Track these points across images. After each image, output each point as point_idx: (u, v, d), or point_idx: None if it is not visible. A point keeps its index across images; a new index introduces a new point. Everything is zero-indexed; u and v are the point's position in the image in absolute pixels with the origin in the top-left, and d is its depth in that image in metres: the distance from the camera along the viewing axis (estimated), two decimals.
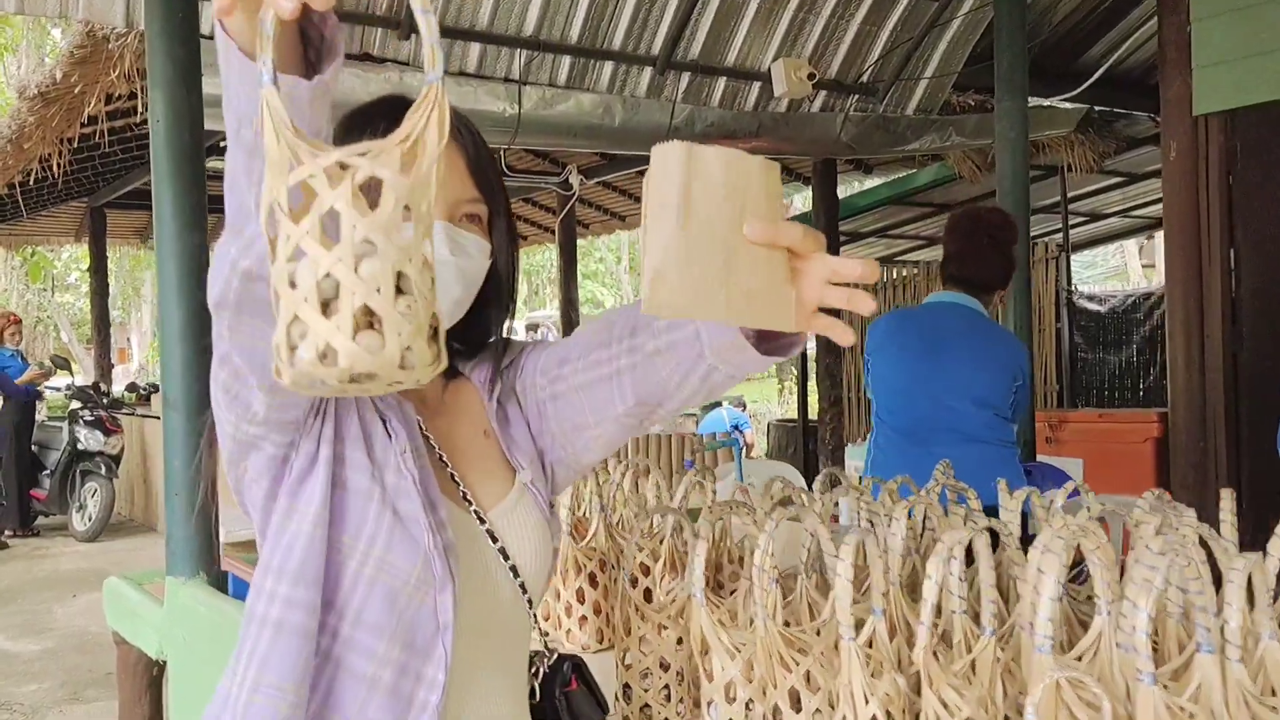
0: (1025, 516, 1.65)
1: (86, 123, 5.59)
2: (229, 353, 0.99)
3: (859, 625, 1.25)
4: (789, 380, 16.77)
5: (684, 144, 0.79)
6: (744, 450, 12.13)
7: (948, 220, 3.27)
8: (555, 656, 1.29)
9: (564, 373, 1.17)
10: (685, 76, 5.19)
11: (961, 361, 3.00)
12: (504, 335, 1.27)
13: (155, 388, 11.91)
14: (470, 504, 1.16)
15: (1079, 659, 1.13)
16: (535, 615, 1.21)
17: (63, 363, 9.62)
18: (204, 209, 2.78)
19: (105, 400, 9.55)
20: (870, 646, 1.22)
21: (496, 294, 1.23)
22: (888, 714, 1.18)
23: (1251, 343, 4.98)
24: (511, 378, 1.25)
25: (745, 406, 14.68)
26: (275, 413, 1.01)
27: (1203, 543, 1.26)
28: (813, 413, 9.39)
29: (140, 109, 4.94)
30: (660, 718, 1.49)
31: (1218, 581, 1.18)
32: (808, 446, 9.06)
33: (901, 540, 1.35)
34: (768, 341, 0.97)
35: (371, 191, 0.73)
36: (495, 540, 1.15)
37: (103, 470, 8.86)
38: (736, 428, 13.02)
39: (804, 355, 10.55)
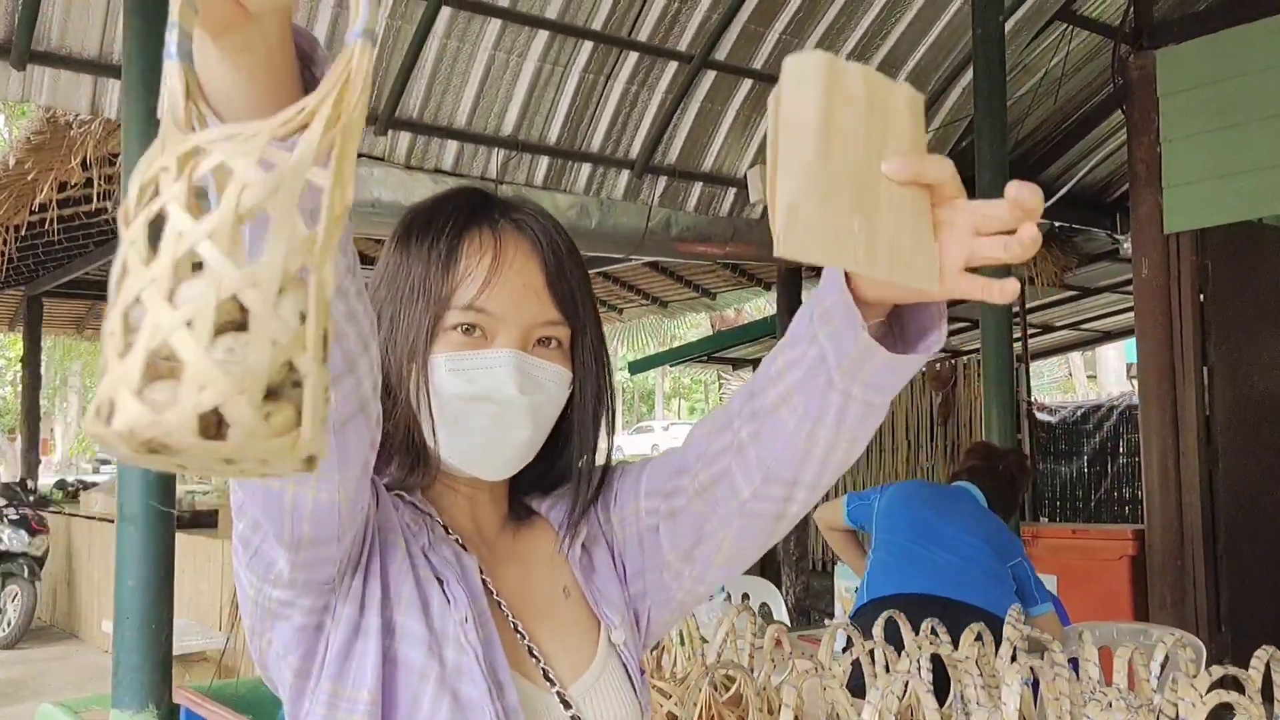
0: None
1: (35, 210, 5.39)
2: (243, 501, 0.83)
3: None
4: None
5: (824, 54, 0.65)
6: None
7: (973, 449, 3.44)
8: None
9: (683, 484, 0.97)
10: (662, 180, 5.15)
11: (966, 529, 3.04)
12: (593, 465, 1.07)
13: (84, 484, 11.43)
14: (552, 683, 0.97)
15: None
16: None
17: None
18: None
19: (32, 498, 9.10)
20: None
21: (581, 426, 1.04)
22: None
23: (1227, 459, 4.96)
24: (601, 513, 1.07)
25: None
26: (303, 571, 0.84)
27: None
28: None
29: (95, 196, 4.77)
30: None
31: None
32: (763, 561, 8.88)
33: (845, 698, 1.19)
34: (898, 335, 0.82)
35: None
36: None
37: (25, 573, 8.38)
38: None
39: None
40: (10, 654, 8.16)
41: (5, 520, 8.49)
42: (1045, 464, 10.03)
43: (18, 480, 9.48)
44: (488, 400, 0.96)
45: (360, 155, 3.19)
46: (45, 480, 12.23)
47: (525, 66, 4.44)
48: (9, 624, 8.33)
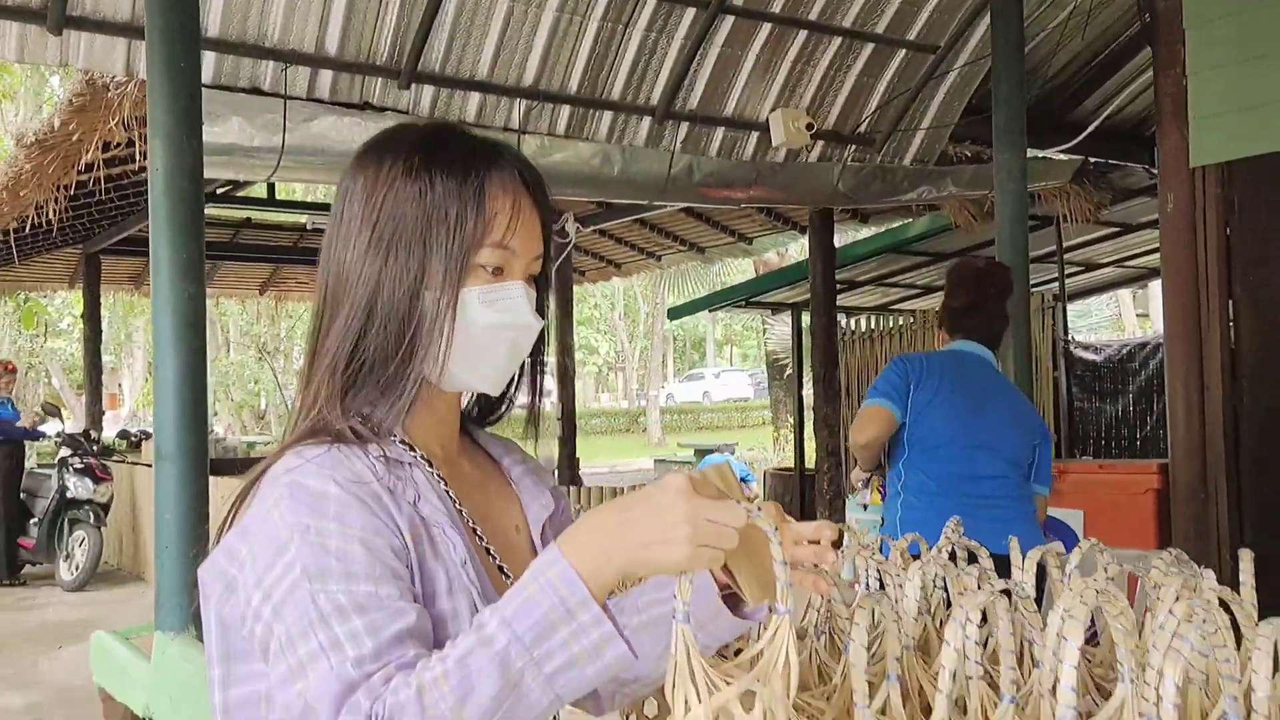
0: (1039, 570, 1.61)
1: (83, 170, 5.59)
2: None
3: (873, 690, 1.21)
4: (784, 428, 16.72)
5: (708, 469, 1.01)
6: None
7: (952, 273, 3.27)
8: None
9: None
10: (684, 126, 5.21)
11: (1002, 421, 3.05)
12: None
13: (146, 434, 11.83)
14: None
15: None
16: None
17: (53, 409, 9.56)
18: (201, 259, 2.76)
19: (95, 447, 9.48)
20: (884, 714, 1.18)
21: (534, 353, 1.18)
22: None
23: (1251, 394, 4.96)
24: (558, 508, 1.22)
25: (734, 451, 14.62)
26: None
27: (1224, 605, 1.23)
28: (809, 461, 9.35)
29: (138, 157, 4.95)
30: None
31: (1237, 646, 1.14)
32: (804, 496, 9.00)
33: (915, 603, 1.31)
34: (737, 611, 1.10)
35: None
36: None
37: (91, 519, 8.77)
38: (744, 480, 12.99)
39: (800, 404, 10.53)
40: (79, 596, 8.57)
41: (70, 469, 8.87)
42: (1089, 402, 9.99)
43: (82, 431, 9.86)
44: (511, 327, 1.08)
45: (385, 109, 3.32)
46: (109, 432, 12.69)
47: (544, 17, 4.52)
48: (77, 567, 8.74)
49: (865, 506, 3.58)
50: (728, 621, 1.09)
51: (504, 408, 1.23)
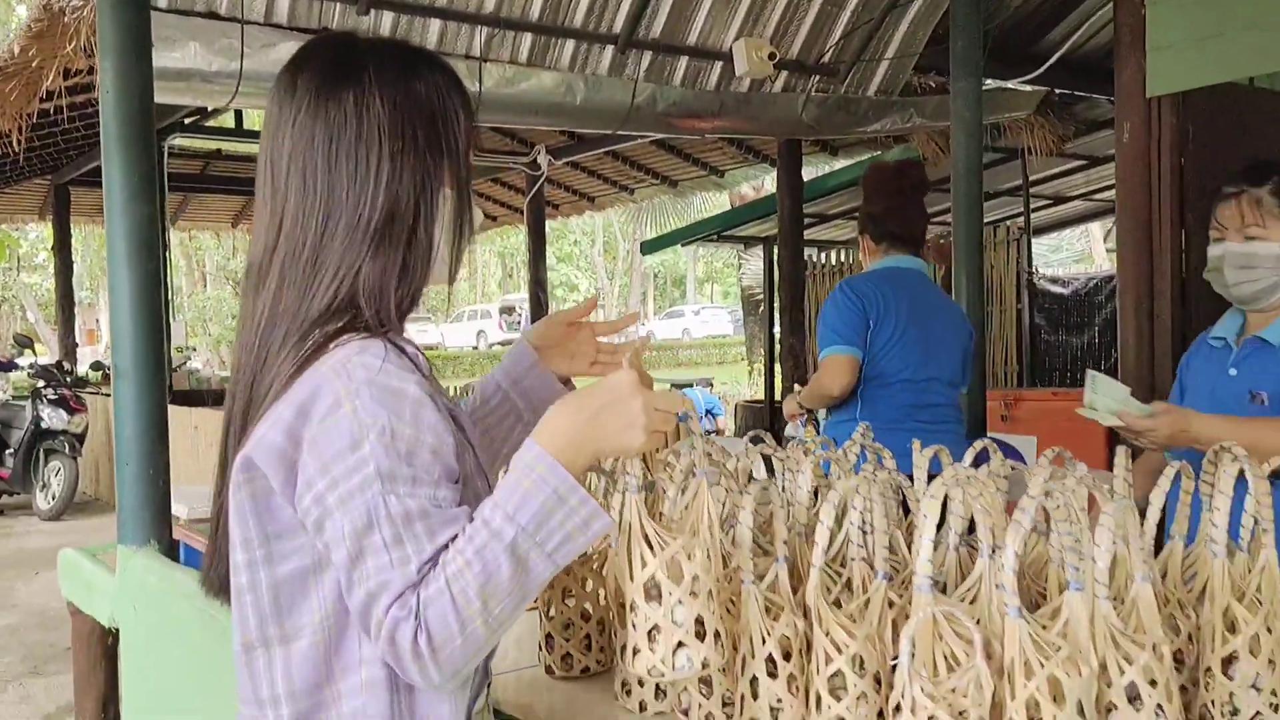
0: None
1: (45, 98, 5.55)
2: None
3: (764, 572, 1.30)
4: (758, 362, 16.85)
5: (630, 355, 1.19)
6: (715, 432, 12.21)
7: (867, 177, 3.28)
8: None
9: None
10: (647, 55, 5.22)
11: (947, 347, 3.11)
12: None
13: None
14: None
15: (962, 599, 1.19)
16: None
17: (26, 341, 9.57)
18: (153, 180, 2.79)
19: (69, 379, 9.50)
20: (772, 591, 1.27)
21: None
22: (785, 654, 1.24)
23: (1200, 324, 5.06)
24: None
25: (711, 386, 14.76)
26: None
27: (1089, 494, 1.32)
28: (778, 393, 9.47)
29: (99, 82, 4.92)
30: (580, 665, 1.54)
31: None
32: (773, 426, 9.13)
33: (807, 492, 1.40)
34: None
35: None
36: None
37: (66, 449, 8.83)
38: (710, 412, 13.11)
39: (771, 337, 10.62)
40: (57, 525, 8.67)
41: (44, 400, 8.91)
42: (1055, 335, 10.12)
43: (55, 363, 9.87)
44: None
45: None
46: (85, 366, 12.67)
47: None
48: (53, 497, 8.82)
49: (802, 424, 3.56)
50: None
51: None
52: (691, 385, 13.98)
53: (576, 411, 1.07)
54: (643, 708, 1.39)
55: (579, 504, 1.02)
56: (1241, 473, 1.29)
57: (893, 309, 2.97)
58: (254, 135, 10.09)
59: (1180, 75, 4.81)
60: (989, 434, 4.96)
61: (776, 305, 9.44)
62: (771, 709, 1.23)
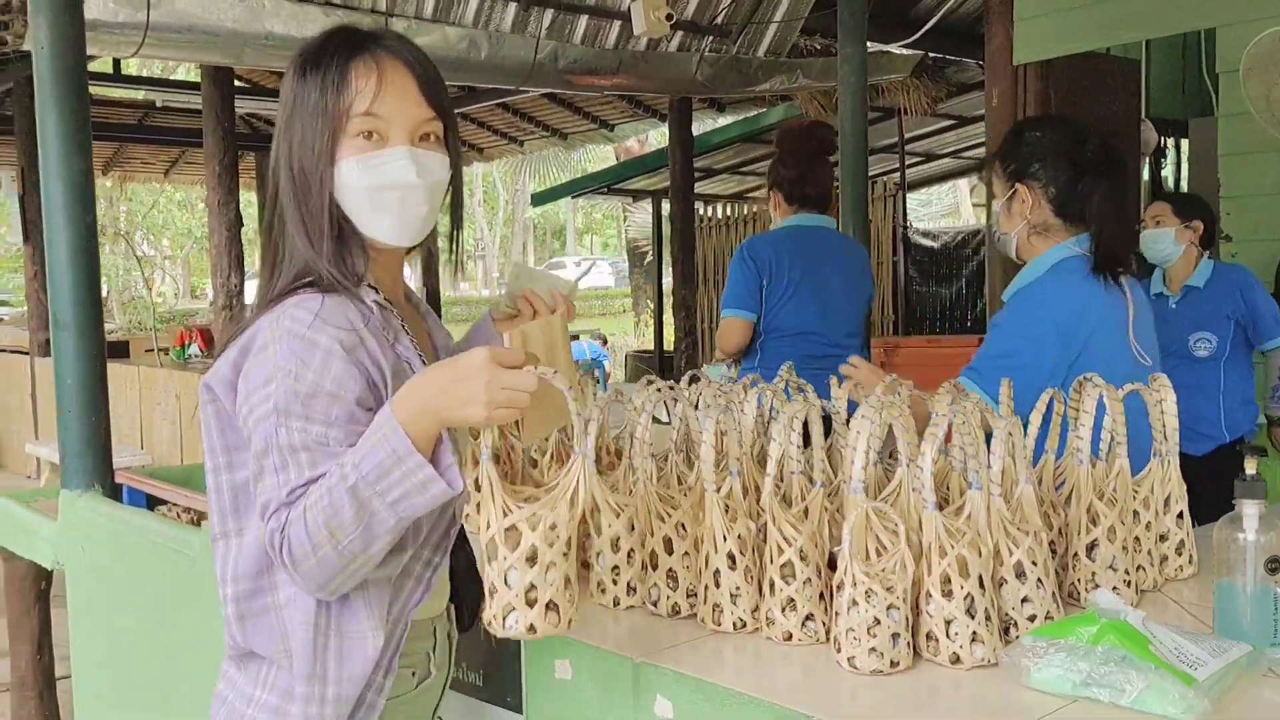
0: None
1: None
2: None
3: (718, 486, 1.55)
4: (645, 313, 17.17)
5: (518, 331, 1.35)
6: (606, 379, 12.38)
7: (781, 139, 3.49)
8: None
9: None
10: (549, 13, 5.36)
11: (847, 298, 3.35)
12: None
13: None
14: None
15: (884, 501, 1.46)
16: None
17: None
18: (88, 133, 2.85)
19: None
20: (729, 499, 1.52)
21: (453, 204, 1.40)
22: (740, 552, 1.49)
23: None
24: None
25: (606, 341, 15.00)
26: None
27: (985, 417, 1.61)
28: (668, 344, 9.78)
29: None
30: None
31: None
32: (663, 374, 9.43)
33: (752, 419, 1.65)
34: None
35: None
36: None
37: None
38: (596, 361, 13.33)
39: (659, 288, 10.91)
40: None
41: None
42: (926, 286, 10.68)
43: None
44: (394, 187, 1.29)
45: (331, 3, 3.38)
46: None
47: None
48: None
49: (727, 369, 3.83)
50: None
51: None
52: (577, 338, 14.19)
53: (429, 383, 1.17)
54: (616, 603, 1.63)
55: (415, 467, 1.13)
56: (1101, 398, 1.59)
57: (786, 267, 3.21)
58: (131, 80, 9.80)
59: (1044, 44, 5.20)
60: None
61: (667, 257, 9.71)
62: (731, 595, 1.48)
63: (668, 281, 10.80)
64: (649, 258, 13.50)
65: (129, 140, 11.15)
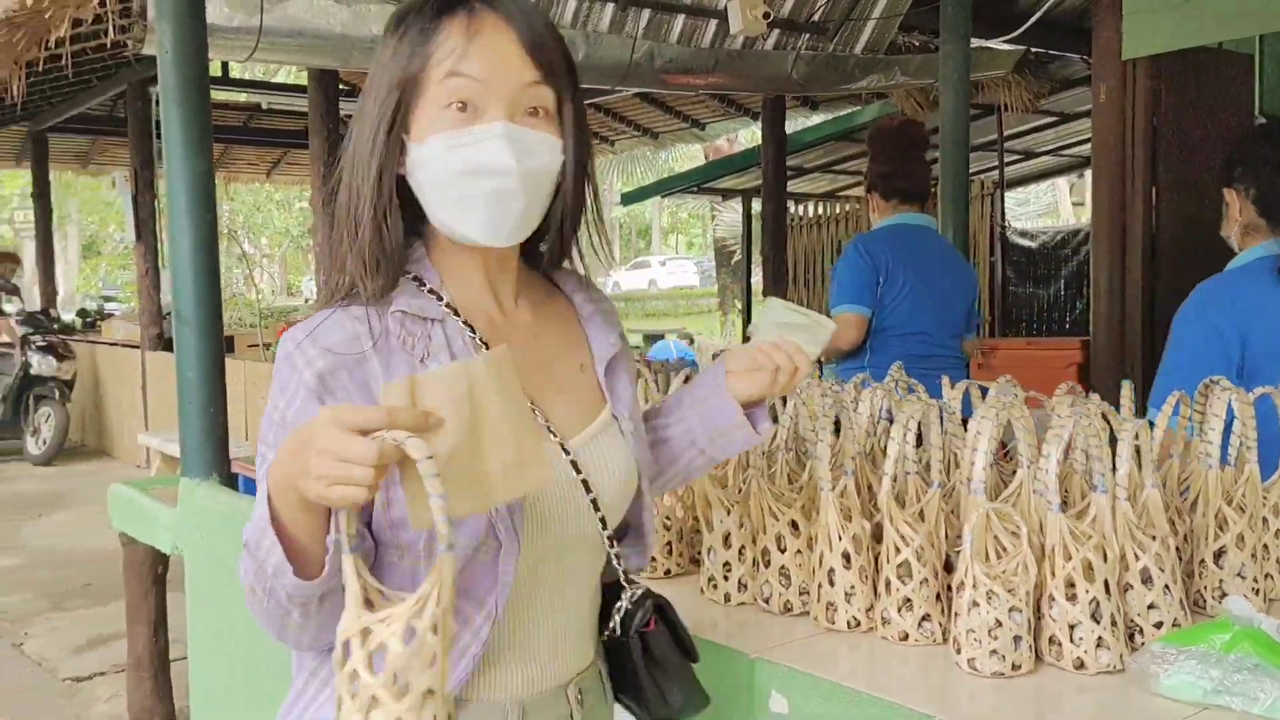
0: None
1: (53, 46, 5.62)
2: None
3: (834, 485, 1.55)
4: (731, 313, 17.12)
5: (402, 381, 0.91)
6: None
7: (873, 137, 3.47)
8: (639, 593, 1.22)
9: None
10: (646, 13, 5.38)
11: (954, 300, 3.33)
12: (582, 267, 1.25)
13: (102, 314, 11.88)
14: (554, 435, 1.12)
15: (1004, 502, 1.44)
16: (611, 540, 1.17)
17: (13, 288, 9.60)
18: (209, 136, 2.96)
19: (56, 326, 9.58)
20: (843, 498, 1.52)
21: (574, 193, 1.14)
22: (855, 551, 1.49)
23: (1169, 277, 5.37)
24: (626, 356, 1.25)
25: (692, 340, 15.00)
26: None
27: (1106, 420, 1.58)
28: None
29: (109, 32, 5.01)
30: (662, 568, 1.78)
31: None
32: None
33: (867, 418, 1.64)
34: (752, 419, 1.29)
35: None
36: (578, 471, 1.12)
37: (56, 395, 8.93)
38: (687, 360, 13.31)
39: (748, 287, 10.87)
40: (48, 470, 8.79)
41: (33, 347, 8.99)
42: (1023, 287, 10.46)
43: (41, 310, 9.93)
44: (485, 174, 1.04)
45: None
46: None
47: None
48: (44, 442, 8.94)
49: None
50: (742, 435, 1.29)
51: (562, 247, 1.20)
52: (671, 335, 14.21)
53: (291, 445, 0.92)
54: (727, 599, 1.63)
55: (271, 546, 0.95)
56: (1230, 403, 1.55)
57: (901, 265, 3.18)
58: (237, 83, 10.13)
59: (1154, 39, 5.05)
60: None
61: (756, 256, 9.67)
62: (846, 594, 1.48)
63: (756, 280, 10.76)
64: (737, 257, 13.47)
65: (235, 142, 11.52)
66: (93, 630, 4.79)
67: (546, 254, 1.21)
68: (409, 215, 1.11)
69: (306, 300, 22.49)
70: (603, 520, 1.14)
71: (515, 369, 0.94)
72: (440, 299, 1.12)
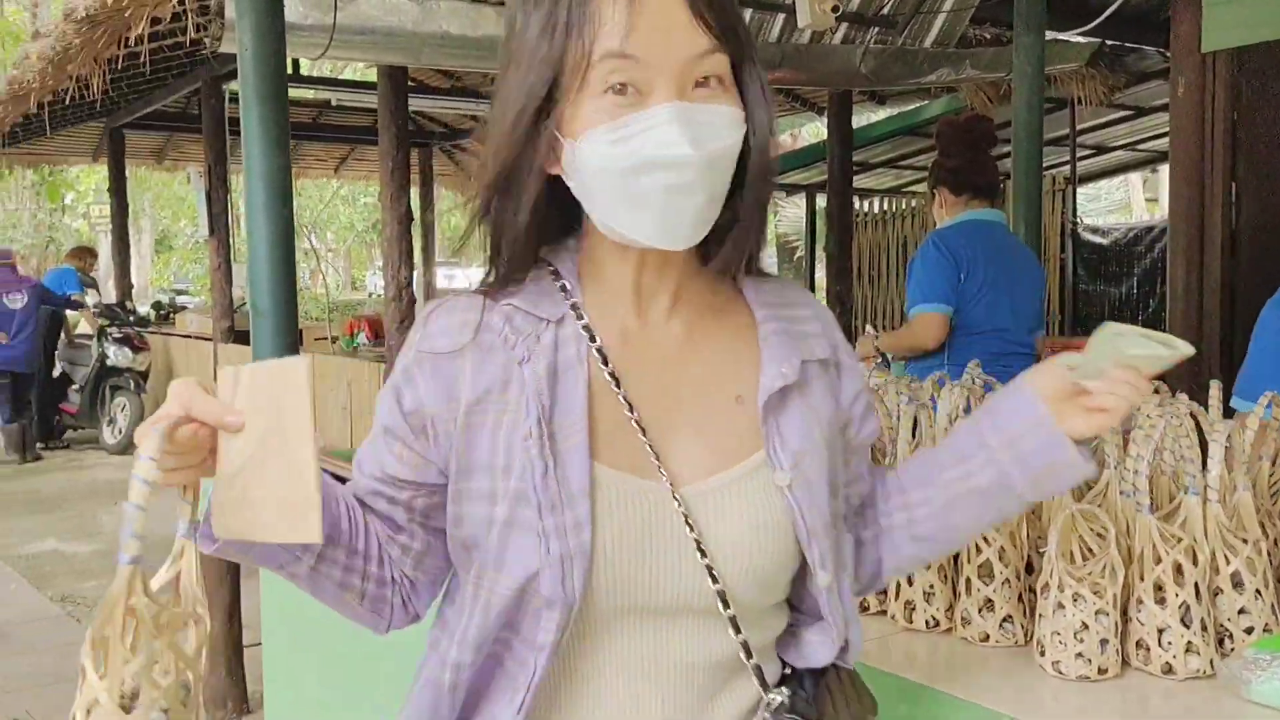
0: None
1: (131, 44, 5.76)
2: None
3: None
4: None
5: (233, 368, 0.84)
6: None
7: (941, 133, 3.45)
8: (776, 705, 0.97)
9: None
10: None
11: (1028, 298, 3.30)
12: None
13: (175, 307, 12.16)
14: (663, 474, 0.93)
15: (1089, 503, 1.41)
16: (735, 623, 0.94)
17: (91, 281, 9.86)
18: (287, 132, 3.01)
19: (132, 318, 9.82)
20: None
21: (760, 174, 0.94)
22: None
23: (1248, 275, 5.23)
24: (842, 385, 1.04)
25: None
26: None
27: (1194, 420, 1.54)
28: None
29: (187, 30, 5.12)
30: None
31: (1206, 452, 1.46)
32: None
33: (946, 417, 1.63)
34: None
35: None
36: (691, 527, 0.92)
37: (131, 385, 9.16)
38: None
39: (811, 284, 10.80)
40: (123, 458, 9.02)
41: (110, 338, 9.23)
42: (1094, 285, 10.26)
43: (117, 302, 10.18)
44: (656, 167, 0.87)
45: None
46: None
47: None
48: (120, 432, 9.17)
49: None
50: (1074, 472, 1.03)
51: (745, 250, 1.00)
52: None
53: None
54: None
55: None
56: None
57: (979, 261, 3.15)
58: (305, 80, 10.28)
59: (1236, 30, 4.92)
60: None
61: (819, 253, 9.60)
62: (925, 593, 1.47)
63: (819, 277, 10.67)
64: (799, 253, 13.38)
65: (304, 138, 11.70)
66: None
67: (727, 254, 0.99)
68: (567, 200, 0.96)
69: (370, 294, 22.78)
70: (722, 596, 0.92)
71: (309, 392, 0.81)
72: (568, 297, 0.97)
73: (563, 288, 0.98)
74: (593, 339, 0.95)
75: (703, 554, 0.91)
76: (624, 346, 0.97)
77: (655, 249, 0.93)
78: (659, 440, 0.94)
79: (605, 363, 0.95)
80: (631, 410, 0.94)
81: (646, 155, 0.87)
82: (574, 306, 0.97)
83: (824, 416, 1.00)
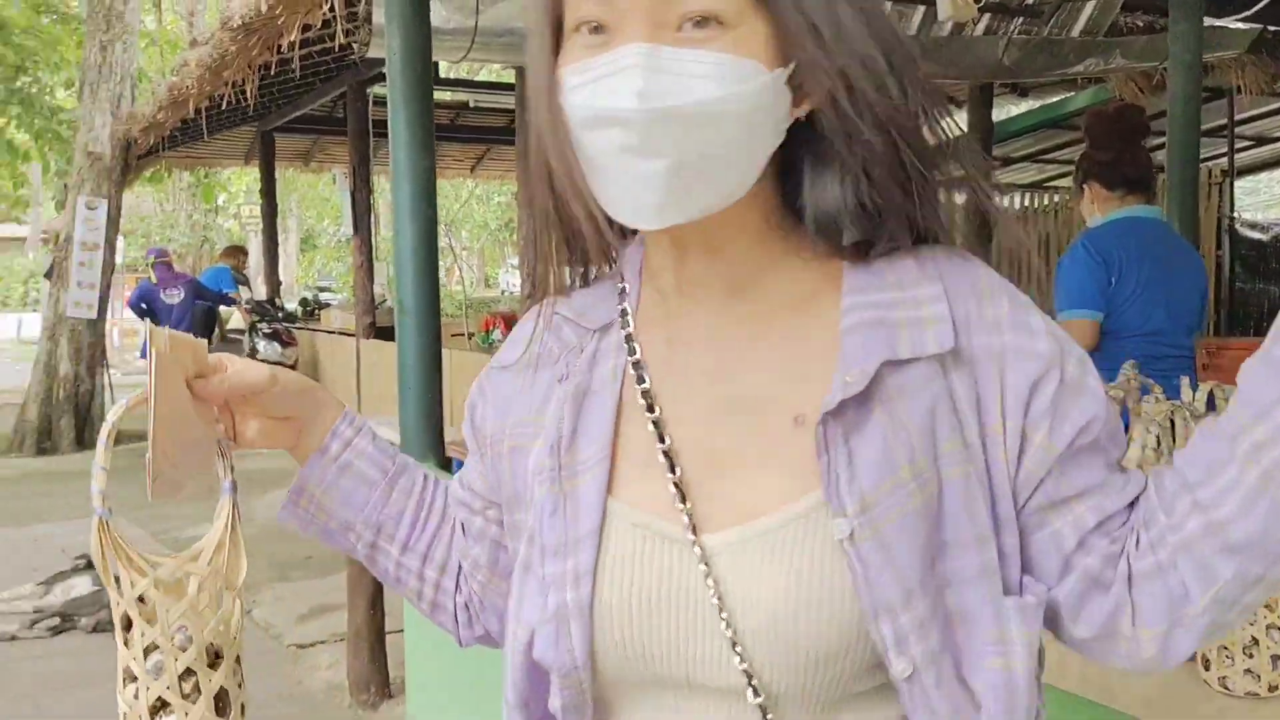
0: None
1: (283, 50, 6.01)
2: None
3: None
4: None
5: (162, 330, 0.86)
6: None
7: (1091, 125, 3.29)
8: None
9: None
10: None
11: (1186, 298, 3.14)
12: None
13: (320, 304, 12.64)
14: (688, 520, 0.74)
15: None
16: (765, 712, 0.72)
17: (243, 278, 10.33)
18: (432, 134, 3.09)
19: (281, 315, 10.25)
20: None
21: (845, 138, 0.72)
22: None
23: None
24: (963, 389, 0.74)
25: None
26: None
27: None
28: None
29: (338, 36, 5.30)
30: None
31: None
32: None
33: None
34: None
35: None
36: (712, 588, 0.72)
37: None
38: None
39: None
40: (272, 451, 9.43)
41: (260, 334, 9.66)
42: (1253, 282, 9.74)
43: (267, 299, 10.65)
44: (605, 121, 0.71)
45: None
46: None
47: None
48: None
49: None
50: None
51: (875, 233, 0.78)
52: None
53: None
54: None
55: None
56: None
57: (1134, 262, 3.00)
58: (443, 83, 10.55)
59: None
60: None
61: None
62: None
63: None
64: None
65: (442, 139, 11.99)
66: (314, 600, 5.11)
67: (813, 239, 0.78)
68: None
69: (503, 292, 23.27)
70: (748, 674, 0.71)
71: (153, 362, 0.83)
72: (623, 300, 0.83)
73: (623, 290, 0.84)
74: (632, 351, 0.80)
75: (726, 623, 0.71)
76: (668, 357, 0.80)
77: (672, 231, 0.75)
78: (695, 474, 0.76)
79: (641, 380, 0.79)
80: (663, 439, 0.76)
81: (596, 106, 0.71)
82: (624, 312, 0.83)
83: (929, 438, 0.72)
